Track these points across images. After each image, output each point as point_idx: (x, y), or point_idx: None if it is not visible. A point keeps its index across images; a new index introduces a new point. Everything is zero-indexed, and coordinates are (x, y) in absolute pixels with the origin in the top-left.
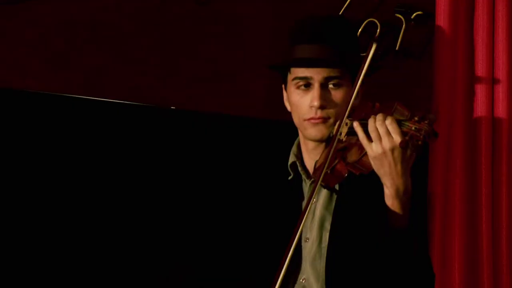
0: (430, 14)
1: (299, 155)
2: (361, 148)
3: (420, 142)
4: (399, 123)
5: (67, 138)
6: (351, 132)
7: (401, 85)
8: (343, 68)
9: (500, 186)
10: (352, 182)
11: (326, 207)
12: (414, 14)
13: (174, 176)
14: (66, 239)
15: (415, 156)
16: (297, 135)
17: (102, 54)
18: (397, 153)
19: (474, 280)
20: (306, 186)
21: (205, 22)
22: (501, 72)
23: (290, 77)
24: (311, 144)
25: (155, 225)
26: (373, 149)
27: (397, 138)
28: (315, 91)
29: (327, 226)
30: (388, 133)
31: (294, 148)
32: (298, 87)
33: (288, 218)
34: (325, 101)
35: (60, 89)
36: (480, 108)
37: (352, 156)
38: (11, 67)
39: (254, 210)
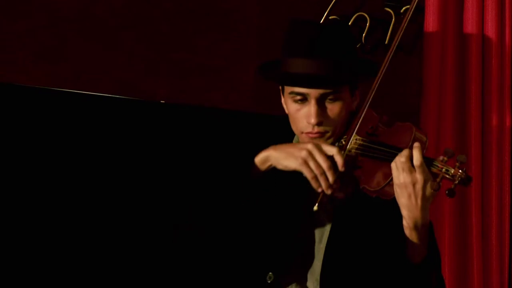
0: (419, 8)
1: None
2: (381, 177)
3: (453, 186)
4: (429, 163)
5: (55, 132)
6: (361, 153)
7: (390, 80)
8: (338, 85)
9: (490, 182)
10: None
11: (326, 207)
12: (404, 8)
13: (166, 169)
14: (57, 232)
15: (436, 193)
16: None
17: (92, 48)
18: (418, 187)
19: (464, 274)
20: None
21: (194, 16)
22: (490, 68)
23: (286, 88)
24: None
25: (147, 219)
26: (397, 179)
27: (420, 177)
28: (312, 107)
29: (327, 227)
30: (411, 167)
31: (296, 140)
32: (294, 101)
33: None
34: (322, 117)
35: (49, 83)
36: (469, 104)
37: (371, 184)
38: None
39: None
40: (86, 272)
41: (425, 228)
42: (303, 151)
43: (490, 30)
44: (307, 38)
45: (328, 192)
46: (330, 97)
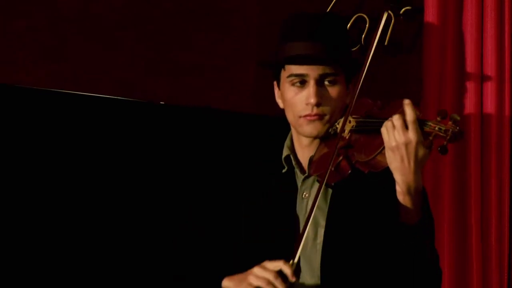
0: (419, 9)
1: (293, 149)
2: (373, 147)
3: (445, 143)
4: (422, 123)
5: (55, 134)
6: (355, 130)
7: (390, 80)
8: (338, 65)
9: (489, 182)
10: (348, 178)
11: (320, 203)
12: (403, 9)
13: (165, 171)
14: (57, 233)
15: (429, 155)
16: (288, 129)
17: (92, 48)
18: (410, 148)
19: (463, 274)
20: (299, 180)
21: (194, 16)
22: (489, 68)
23: (284, 74)
24: (305, 141)
25: (144, 221)
26: (389, 140)
27: (413, 136)
28: (311, 88)
29: (322, 222)
30: (404, 127)
31: (287, 142)
32: (293, 84)
33: (282, 211)
34: (321, 98)
35: (49, 83)
36: (469, 104)
37: (363, 155)
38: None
39: (248, 204)
40: (84, 271)
41: (418, 193)
42: (249, 275)
43: (490, 30)
44: (305, 24)
45: None
46: (328, 79)
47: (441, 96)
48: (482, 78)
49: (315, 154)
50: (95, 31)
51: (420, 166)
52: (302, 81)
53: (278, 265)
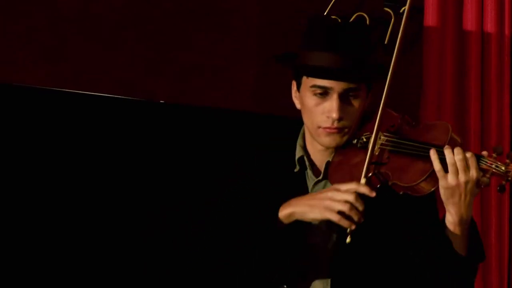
0: (419, 8)
1: (306, 150)
2: (416, 172)
3: (504, 182)
4: (478, 159)
5: (56, 132)
6: (390, 150)
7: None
8: (364, 80)
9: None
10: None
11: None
12: (403, 8)
13: (166, 170)
14: (57, 232)
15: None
16: (295, 129)
17: (92, 48)
18: (470, 186)
19: None
20: (310, 181)
21: (194, 16)
22: (489, 67)
23: (307, 81)
24: (320, 146)
25: (145, 221)
26: (448, 181)
27: (475, 175)
28: (334, 102)
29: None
30: (467, 168)
31: (299, 141)
32: (315, 94)
33: None
34: (343, 113)
35: (49, 83)
36: (468, 104)
37: (404, 179)
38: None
39: (256, 203)
40: (84, 272)
41: (468, 223)
42: (325, 200)
43: (490, 29)
44: (333, 33)
45: (361, 221)
46: (351, 93)
47: (441, 96)
48: (482, 78)
49: (333, 159)
50: (95, 31)
51: (473, 198)
52: (324, 93)
53: (353, 186)
